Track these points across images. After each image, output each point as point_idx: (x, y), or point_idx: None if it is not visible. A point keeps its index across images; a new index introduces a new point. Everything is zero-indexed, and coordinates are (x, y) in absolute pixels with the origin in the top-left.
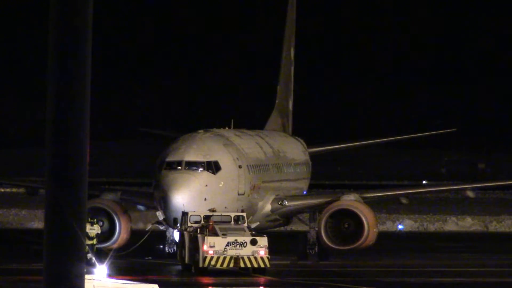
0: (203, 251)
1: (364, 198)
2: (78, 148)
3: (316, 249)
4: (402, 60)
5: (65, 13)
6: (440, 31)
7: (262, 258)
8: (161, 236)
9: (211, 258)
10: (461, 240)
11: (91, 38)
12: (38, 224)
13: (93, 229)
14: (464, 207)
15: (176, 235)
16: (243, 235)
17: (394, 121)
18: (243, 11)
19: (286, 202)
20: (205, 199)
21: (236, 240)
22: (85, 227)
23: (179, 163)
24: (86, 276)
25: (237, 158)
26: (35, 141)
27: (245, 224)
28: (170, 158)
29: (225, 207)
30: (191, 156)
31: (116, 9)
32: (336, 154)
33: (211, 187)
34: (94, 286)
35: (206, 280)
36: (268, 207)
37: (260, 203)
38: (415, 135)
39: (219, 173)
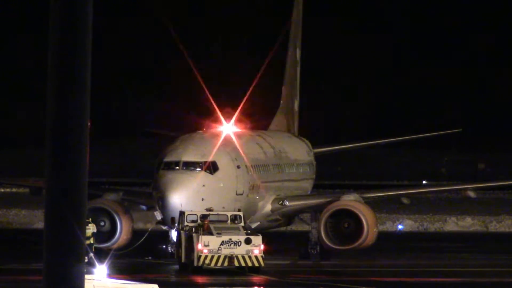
0: (198, 250)
1: (364, 198)
2: (78, 148)
3: (318, 249)
4: (404, 60)
5: (65, 13)
6: (439, 31)
7: (256, 257)
8: (164, 236)
9: (206, 257)
10: (461, 240)
11: (91, 38)
12: (38, 224)
13: (89, 229)
14: (464, 207)
15: (174, 234)
16: (238, 234)
17: (395, 121)
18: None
19: (286, 202)
20: (202, 199)
21: (230, 239)
22: (85, 227)
23: (177, 163)
24: (86, 276)
25: (236, 158)
26: (35, 141)
27: (242, 224)
28: (168, 158)
29: (223, 207)
30: (188, 156)
31: (116, 9)
32: (336, 154)
33: (209, 187)
34: (94, 286)
35: (206, 280)
36: (268, 207)
37: (260, 203)
38: (421, 135)
39: (217, 173)
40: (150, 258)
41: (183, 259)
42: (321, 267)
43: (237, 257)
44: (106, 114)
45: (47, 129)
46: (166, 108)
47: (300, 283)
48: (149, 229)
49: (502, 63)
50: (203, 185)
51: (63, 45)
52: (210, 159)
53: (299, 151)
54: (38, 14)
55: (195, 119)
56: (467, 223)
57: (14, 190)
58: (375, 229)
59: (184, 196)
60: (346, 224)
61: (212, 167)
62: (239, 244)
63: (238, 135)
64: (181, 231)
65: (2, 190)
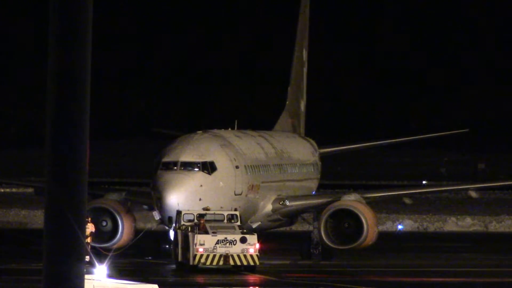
0: (193, 249)
1: (365, 198)
2: (78, 148)
3: (320, 248)
4: (407, 61)
5: (65, 12)
6: (440, 31)
7: (251, 256)
8: (167, 236)
9: (201, 256)
10: (461, 240)
11: (91, 37)
12: (38, 224)
13: (87, 228)
14: (464, 207)
15: (171, 234)
16: (233, 233)
17: (396, 122)
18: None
19: (287, 202)
20: (200, 199)
21: (226, 238)
22: (85, 227)
23: (175, 163)
24: (86, 276)
25: (234, 159)
26: (35, 141)
27: (238, 223)
28: (166, 159)
29: (221, 207)
30: (186, 156)
31: (116, 9)
32: (336, 154)
33: (206, 187)
34: (94, 286)
35: (205, 280)
36: (269, 207)
37: (260, 203)
38: (427, 135)
39: (215, 174)
40: (150, 258)
41: (179, 258)
42: (321, 267)
43: (232, 256)
44: (107, 114)
45: (47, 129)
46: (169, 108)
47: (300, 283)
48: (146, 229)
49: (503, 63)
50: (201, 185)
51: (63, 45)
52: (208, 159)
53: (303, 151)
54: (38, 14)
55: (197, 120)
56: (467, 223)
57: (14, 190)
58: (375, 229)
59: (181, 196)
60: (346, 224)
61: (210, 167)
62: (235, 243)
63: (238, 136)
64: (178, 231)
65: (2, 190)
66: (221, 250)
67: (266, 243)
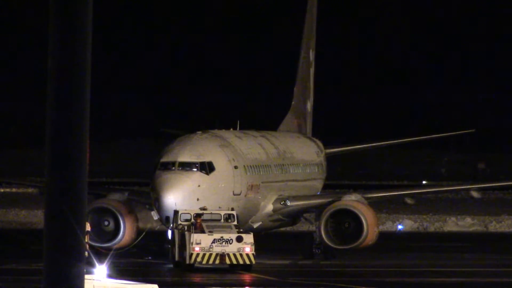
0: (190, 248)
1: (367, 199)
2: (78, 148)
3: (322, 248)
4: (407, 61)
5: (65, 13)
6: (441, 32)
7: (247, 254)
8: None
9: (197, 254)
10: (461, 240)
11: (91, 37)
12: (38, 224)
13: None
14: (464, 207)
15: (169, 234)
16: (229, 232)
17: (397, 122)
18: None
19: (288, 202)
20: (197, 199)
21: (222, 237)
22: (85, 227)
23: (173, 163)
24: (86, 276)
25: (233, 159)
26: (35, 141)
27: (235, 223)
28: (164, 159)
29: (219, 207)
30: (184, 157)
31: (117, 9)
32: (336, 154)
33: (204, 187)
34: (94, 286)
35: (205, 279)
36: (270, 207)
37: (261, 203)
38: (434, 135)
39: (213, 174)
40: (150, 258)
41: (176, 258)
42: (321, 267)
43: (228, 255)
44: (107, 114)
45: (47, 129)
46: (172, 108)
47: (300, 283)
48: (146, 229)
49: (503, 62)
50: (198, 185)
51: (63, 45)
52: (206, 159)
53: (307, 152)
54: (38, 14)
55: (200, 120)
56: (467, 223)
57: (14, 190)
58: (375, 229)
59: (179, 196)
60: (346, 224)
61: (208, 167)
62: (231, 242)
63: (239, 136)
64: (175, 230)
65: (2, 190)
66: (217, 249)
67: (268, 243)
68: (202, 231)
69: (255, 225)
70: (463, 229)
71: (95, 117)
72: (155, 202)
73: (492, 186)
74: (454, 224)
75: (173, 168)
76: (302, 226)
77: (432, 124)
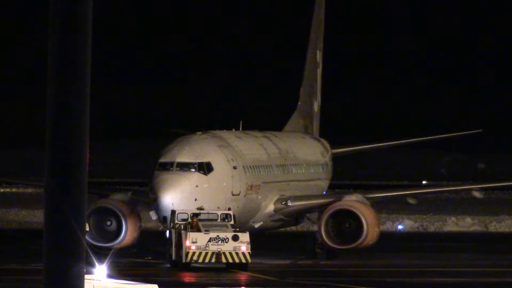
0: (186, 247)
1: (368, 199)
2: (78, 148)
3: (325, 248)
4: (414, 62)
5: (65, 13)
6: (442, 32)
7: (243, 253)
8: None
9: (193, 253)
10: (461, 240)
11: (91, 37)
12: (38, 224)
13: None
14: (464, 207)
15: (168, 234)
16: (225, 231)
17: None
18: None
19: (289, 202)
20: (195, 199)
21: (218, 236)
22: (85, 227)
23: (171, 164)
24: (86, 276)
25: (232, 159)
26: (35, 141)
27: (231, 222)
28: (163, 159)
29: (218, 207)
30: (183, 157)
31: (118, 9)
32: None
33: (202, 188)
34: (94, 286)
35: (204, 279)
36: (271, 207)
37: (262, 203)
38: (440, 136)
39: (211, 174)
40: (150, 258)
41: (173, 257)
42: (321, 267)
43: (224, 253)
44: (107, 114)
45: (47, 129)
46: (175, 108)
47: (300, 283)
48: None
49: (504, 63)
50: (196, 186)
51: (63, 45)
52: (204, 160)
53: (311, 152)
54: (38, 14)
55: (203, 120)
56: (467, 223)
57: (14, 190)
58: (376, 229)
59: (176, 196)
60: (347, 224)
61: (206, 168)
62: (227, 240)
63: (239, 136)
64: (172, 230)
65: (2, 190)
66: (213, 248)
67: (270, 242)
68: (199, 230)
69: (256, 225)
70: (463, 229)
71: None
72: (154, 202)
73: (493, 186)
74: (454, 224)
75: (171, 168)
76: (305, 226)
77: (432, 124)
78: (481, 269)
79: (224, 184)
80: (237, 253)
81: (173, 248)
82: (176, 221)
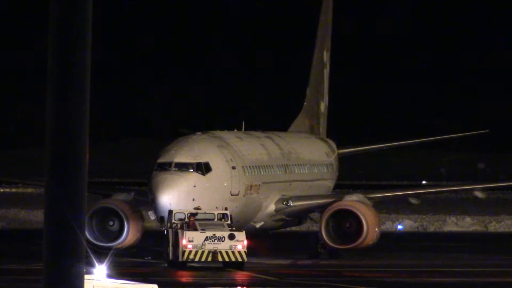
0: (182, 246)
1: (369, 199)
2: (78, 148)
3: (327, 248)
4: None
5: (65, 13)
6: (441, 32)
7: (239, 252)
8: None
9: (190, 252)
10: (461, 240)
11: (91, 37)
12: (38, 224)
13: None
14: (463, 207)
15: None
16: (222, 230)
17: (400, 123)
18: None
19: (290, 202)
20: (193, 199)
21: (214, 234)
22: (85, 227)
23: (170, 164)
24: (86, 276)
25: (231, 159)
26: (35, 141)
27: (228, 221)
28: (161, 160)
29: (216, 207)
30: (181, 157)
31: (118, 9)
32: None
33: (200, 188)
34: (93, 286)
35: (203, 279)
36: (272, 207)
37: (262, 203)
38: (446, 136)
39: (210, 174)
40: (149, 258)
41: (170, 256)
42: (321, 267)
43: (220, 252)
44: (107, 114)
45: (47, 129)
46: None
47: (299, 283)
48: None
49: (502, 63)
50: (194, 186)
51: (63, 45)
52: (202, 160)
53: (315, 152)
54: (38, 14)
55: (206, 121)
56: (466, 223)
57: (14, 190)
58: (376, 229)
59: (174, 196)
60: (347, 224)
61: (204, 168)
62: (223, 239)
63: (239, 137)
64: (169, 229)
65: (2, 190)
66: (210, 246)
67: (271, 242)
68: (195, 229)
69: (258, 225)
70: (463, 229)
71: (96, 117)
72: (152, 202)
73: (493, 186)
74: (454, 224)
75: (170, 168)
76: (308, 226)
77: (433, 124)
78: (481, 269)
79: (223, 184)
80: (233, 252)
81: (170, 248)
82: (173, 221)
